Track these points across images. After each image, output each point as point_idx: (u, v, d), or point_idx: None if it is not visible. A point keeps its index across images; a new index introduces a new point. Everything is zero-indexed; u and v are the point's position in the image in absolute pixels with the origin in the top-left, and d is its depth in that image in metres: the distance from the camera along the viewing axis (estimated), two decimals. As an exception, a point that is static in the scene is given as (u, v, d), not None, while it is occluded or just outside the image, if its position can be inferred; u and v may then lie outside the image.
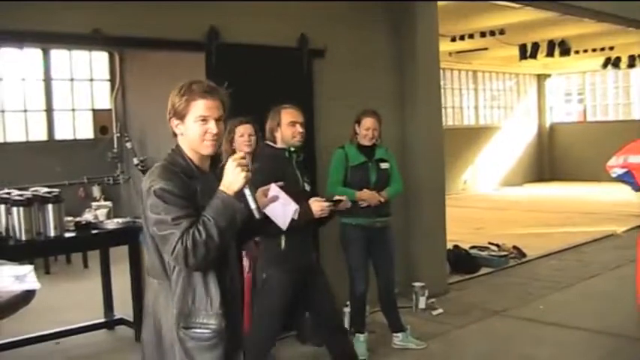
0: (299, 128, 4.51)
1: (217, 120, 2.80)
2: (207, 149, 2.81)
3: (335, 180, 5.68)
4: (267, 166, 4.40)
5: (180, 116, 2.79)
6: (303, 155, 4.69)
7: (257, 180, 4.13)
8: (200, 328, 2.78)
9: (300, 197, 3.98)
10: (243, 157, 2.73)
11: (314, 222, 4.45)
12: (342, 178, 5.66)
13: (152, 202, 2.68)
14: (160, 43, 5.84)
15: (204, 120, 2.77)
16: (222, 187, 2.69)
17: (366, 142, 5.70)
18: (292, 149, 4.54)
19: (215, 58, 5.93)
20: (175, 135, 2.86)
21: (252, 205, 2.73)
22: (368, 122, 5.67)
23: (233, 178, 2.67)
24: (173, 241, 2.61)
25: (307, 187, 4.60)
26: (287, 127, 4.51)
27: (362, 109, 5.79)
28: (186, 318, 2.78)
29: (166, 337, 2.84)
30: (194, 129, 2.78)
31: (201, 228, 2.61)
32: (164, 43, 5.85)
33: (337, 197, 4.59)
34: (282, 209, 3.08)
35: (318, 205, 4.28)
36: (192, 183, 2.75)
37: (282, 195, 3.07)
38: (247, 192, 2.73)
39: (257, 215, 2.74)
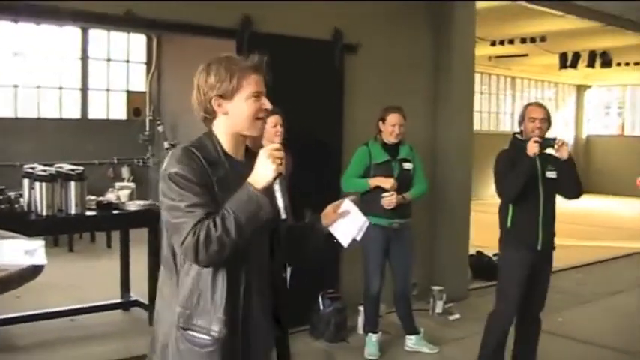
0: (537, 124, 4.80)
1: (266, 96, 2.60)
2: (257, 129, 2.60)
3: (350, 174, 5.68)
4: (508, 154, 4.94)
5: (229, 94, 2.53)
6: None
7: (498, 165, 4.90)
8: (199, 332, 2.49)
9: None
10: (278, 149, 2.44)
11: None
12: (358, 175, 5.64)
13: (166, 187, 2.44)
14: (193, 28, 5.84)
15: (258, 96, 2.55)
16: (249, 180, 2.41)
17: (392, 140, 5.63)
18: None
19: (247, 47, 5.90)
20: (207, 119, 2.60)
21: (280, 204, 2.45)
22: (394, 118, 5.61)
23: (262, 171, 2.40)
24: (184, 231, 2.35)
25: (550, 175, 4.83)
26: (528, 122, 4.87)
27: (385, 106, 5.75)
28: (187, 318, 2.50)
29: (159, 334, 2.59)
30: (246, 106, 2.54)
31: (218, 221, 2.34)
32: (196, 28, 5.85)
33: (552, 137, 4.82)
34: (347, 226, 2.90)
35: (530, 145, 4.65)
36: (212, 170, 2.48)
37: (354, 210, 2.85)
38: (277, 187, 2.45)
39: (283, 215, 2.47)
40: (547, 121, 4.87)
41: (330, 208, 2.80)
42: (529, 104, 5.07)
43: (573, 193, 4.96)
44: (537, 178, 4.79)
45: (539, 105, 5.03)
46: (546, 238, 4.89)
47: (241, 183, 2.44)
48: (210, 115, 2.59)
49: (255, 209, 2.37)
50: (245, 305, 2.56)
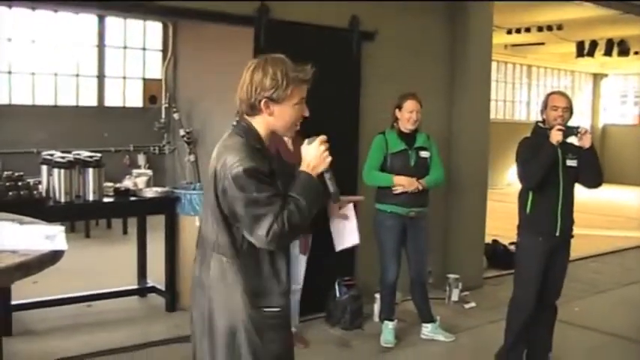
0: (560, 112, 4.82)
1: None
2: (293, 132, 2.82)
3: (371, 165, 5.65)
4: (530, 141, 4.98)
5: (280, 100, 2.66)
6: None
7: (520, 151, 4.90)
8: (269, 307, 2.71)
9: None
10: (327, 141, 2.69)
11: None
12: (379, 164, 5.62)
13: (244, 182, 2.55)
14: (209, 15, 5.83)
15: (301, 103, 2.74)
16: (304, 168, 2.66)
17: (409, 127, 5.61)
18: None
19: (264, 34, 5.90)
20: (247, 113, 2.71)
21: (332, 189, 2.71)
22: (410, 105, 5.58)
23: (319, 160, 2.66)
24: (267, 221, 2.52)
25: (570, 163, 4.83)
26: (550, 110, 4.87)
27: (400, 94, 5.73)
28: (256, 298, 2.69)
29: (222, 320, 2.71)
30: (292, 112, 2.71)
31: (293, 208, 2.55)
32: (213, 15, 5.83)
33: (575, 125, 4.81)
34: (344, 231, 3.01)
35: (553, 132, 4.67)
36: (268, 162, 2.66)
37: (353, 221, 2.99)
38: (327, 175, 2.69)
39: (334, 200, 2.74)
40: (569, 110, 4.87)
41: (335, 206, 2.99)
42: (552, 93, 5.07)
43: (594, 182, 4.94)
44: (558, 165, 4.78)
45: (562, 94, 5.03)
46: (565, 225, 4.87)
47: (279, 173, 2.69)
48: (251, 112, 2.71)
49: (317, 195, 2.64)
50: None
